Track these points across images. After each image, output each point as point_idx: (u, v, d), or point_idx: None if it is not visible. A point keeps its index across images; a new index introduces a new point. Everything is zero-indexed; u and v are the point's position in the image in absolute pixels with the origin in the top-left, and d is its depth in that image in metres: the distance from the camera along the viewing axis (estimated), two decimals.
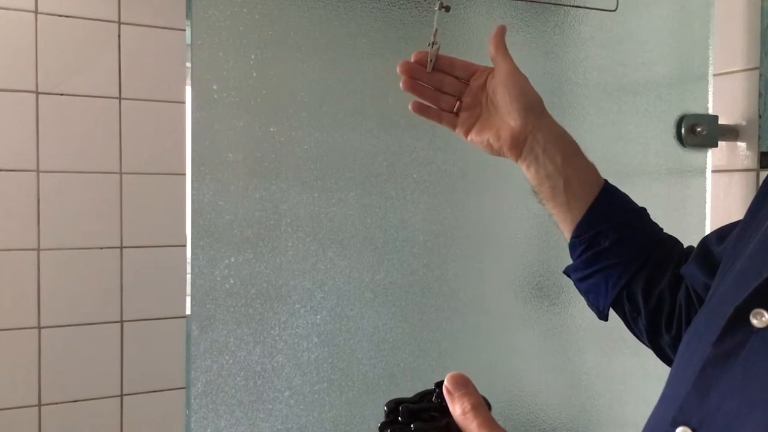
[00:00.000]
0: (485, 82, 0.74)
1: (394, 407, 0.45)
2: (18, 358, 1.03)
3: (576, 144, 0.73)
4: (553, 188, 0.70)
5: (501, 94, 0.71)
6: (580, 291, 0.75)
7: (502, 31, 0.74)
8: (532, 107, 0.71)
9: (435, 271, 1.15)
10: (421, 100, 0.77)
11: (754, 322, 0.37)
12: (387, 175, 1.12)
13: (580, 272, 0.72)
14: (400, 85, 0.77)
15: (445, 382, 0.43)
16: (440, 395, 0.44)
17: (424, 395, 0.47)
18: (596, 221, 0.69)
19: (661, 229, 0.74)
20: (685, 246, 0.73)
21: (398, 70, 0.75)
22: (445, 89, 0.76)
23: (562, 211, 0.71)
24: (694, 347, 0.45)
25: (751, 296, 0.38)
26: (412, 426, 0.44)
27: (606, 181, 0.73)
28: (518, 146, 0.70)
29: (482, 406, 0.42)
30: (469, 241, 1.16)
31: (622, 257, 0.69)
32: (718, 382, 0.38)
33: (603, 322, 0.75)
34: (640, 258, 0.69)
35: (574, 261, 0.73)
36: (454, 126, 0.77)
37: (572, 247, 0.72)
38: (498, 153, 0.73)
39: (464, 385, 0.43)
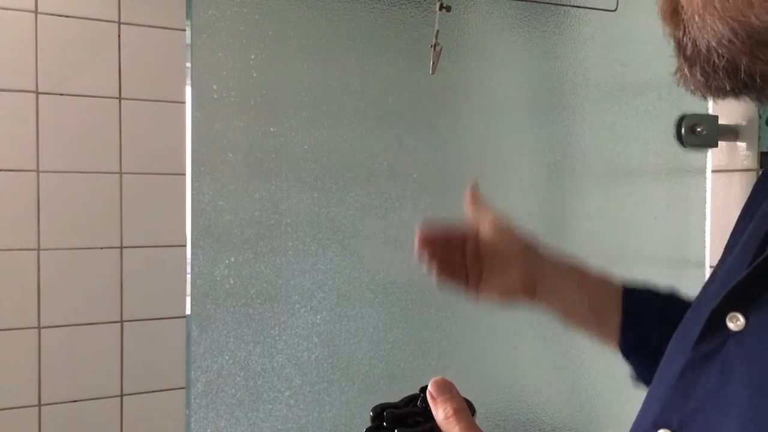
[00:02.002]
0: (476, 240, 0.72)
1: (380, 412, 0.46)
2: (18, 358, 1.03)
3: (581, 264, 0.71)
4: (578, 316, 0.69)
5: (492, 249, 0.70)
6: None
7: (475, 191, 0.73)
8: (527, 250, 0.70)
9: None
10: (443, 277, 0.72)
11: (730, 325, 0.38)
12: (387, 175, 1.12)
13: (642, 372, 0.69)
14: (424, 268, 0.72)
15: (429, 387, 0.44)
16: (425, 400, 0.44)
17: (410, 400, 0.47)
18: (633, 335, 0.67)
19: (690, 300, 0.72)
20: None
21: (418, 247, 0.70)
22: (452, 259, 0.73)
23: (597, 332, 0.70)
24: (677, 349, 0.45)
25: (725, 300, 0.38)
26: (396, 431, 0.45)
27: (624, 287, 0.69)
28: (529, 289, 0.69)
29: (465, 411, 0.43)
30: None
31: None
32: (697, 386, 0.39)
33: None
34: None
35: (631, 366, 0.70)
36: (471, 288, 0.73)
37: (624, 357, 0.70)
38: (513, 302, 0.71)
39: (447, 389, 0.43)
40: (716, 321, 0.38)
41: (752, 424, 0.34)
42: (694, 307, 0.49)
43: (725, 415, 0.36)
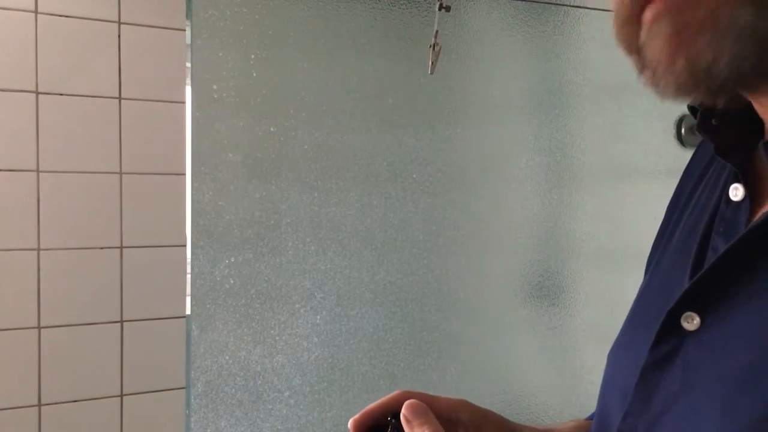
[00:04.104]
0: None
1: None
2: (18, 358, 1.03)
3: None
4: None
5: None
6: None
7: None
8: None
9: (435, 271, 1.15)
10: None
11: (685, 325, 0.38)
12: (387, 175, 1.12)
13: None
14: None
15: (403, 410, 0.43)
16: (395, 426, 0.44)
17: (380, 429, 0.46)
18: None
19: None
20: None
21: None
22: None
23: None
24: (629, 353, 0.44)
25: (681, 301, 0.38)
26: None
27: None
28: None
29: None
30: (469, 241, 1.16)
31: None
32: (659, 388, 0.39)
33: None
34: None
35: None
36: None
37: None
38: None
39: (423, 413, 0.43)
40: (671, 322, 0.38)
41: (737, 413, 0.34)
42: (639, 306, 0.48)
43: (697, 411, 0.36)
